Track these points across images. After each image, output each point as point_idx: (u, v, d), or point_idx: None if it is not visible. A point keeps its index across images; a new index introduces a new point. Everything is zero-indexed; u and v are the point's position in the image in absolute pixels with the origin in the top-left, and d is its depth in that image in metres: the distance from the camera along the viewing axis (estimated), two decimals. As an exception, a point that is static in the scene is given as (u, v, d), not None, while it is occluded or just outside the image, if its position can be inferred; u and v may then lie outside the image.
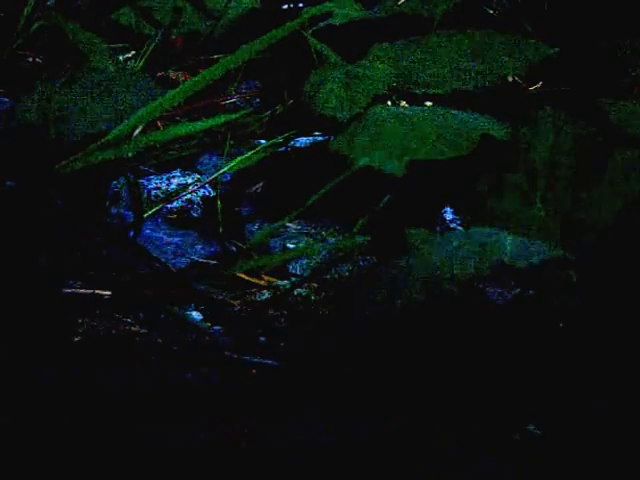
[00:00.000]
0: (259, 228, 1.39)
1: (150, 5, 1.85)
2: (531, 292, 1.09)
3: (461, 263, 0.98)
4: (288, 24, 1.03)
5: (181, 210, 1.41)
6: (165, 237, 1.36)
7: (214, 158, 1.53)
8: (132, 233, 1.26)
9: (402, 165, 1.29)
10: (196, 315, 1.14)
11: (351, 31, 1.68)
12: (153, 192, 1.42)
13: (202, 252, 1.33)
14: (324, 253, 1.29)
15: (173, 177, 1.46)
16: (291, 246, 1.34)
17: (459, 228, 1.31)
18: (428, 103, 1.55)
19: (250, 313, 1.15)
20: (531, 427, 0.93)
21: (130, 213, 1.34)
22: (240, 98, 1.70)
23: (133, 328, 1.09)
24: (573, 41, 1.64)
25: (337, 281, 1.22)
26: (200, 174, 1.49)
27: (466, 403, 0.96)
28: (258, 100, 1.72)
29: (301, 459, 0.87)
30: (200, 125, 1.10)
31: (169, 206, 1.41)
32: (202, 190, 1.44)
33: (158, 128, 1.57)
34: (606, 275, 1.08)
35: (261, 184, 1.46)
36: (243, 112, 1.40)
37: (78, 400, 0.93)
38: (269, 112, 1.63)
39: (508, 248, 0.99)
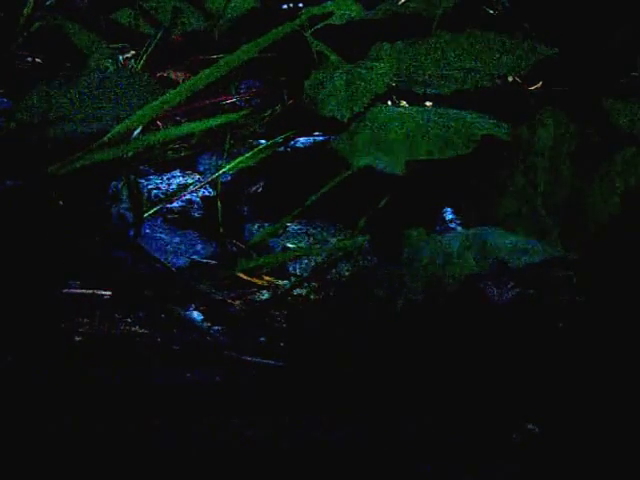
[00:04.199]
0: (259, 228, 1.39)
1: (150, 5, 1.85)
2: (531, 292, 1.09)
3: (461, 263, 0.98)
4: (288, 24, 1.03)
5: (181, 210, 1.41)
6: (165, 237, 1.35)
7: (214, 158, 1.53)
8: (132, 233, 1.26)
9: (402, 165, 1.29)
10: (196, 315, 1.14)
11: (351, 31, 1.68)
12: (153, 192, 1.42)
13: (202, 252, 1.33)
14: (324, 253, 1.29)
15: (173, 177, 1.46)
16: (291, 246, 1.34)
17: (459, 228, 1.31)
18: (428, 103, 1.55)
19: (250, 313, 1.15)
20: (530, 426, 0.93)
21: (130, 213, 1.34)
22: (240, 98, 1.70)
23: (133, 328, 1.09)
24: (573, 41, 1.64)
25: (337, 281, 1.22)
26: (200, 174, 1.48)
27: (466, 402, 0.96)
28: (258, 100, 1.72)
29: (301, 459, 0.87)
30: (200, 125, 1.10)
31: (169, 206, 1.40)
32: (202, 190, 1.44)
33: (158, 128, 1.57)
34: (606, 275, 1.08)
35: (261, 184, 1.46)
36: (243, 112, 1.40)
37: (78, 400, 0.93)
38: (269, 112, 1.63)
39: (508, 248, 0.99)
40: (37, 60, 1.77)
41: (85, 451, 0.86)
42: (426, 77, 1.50)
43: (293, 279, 1.26)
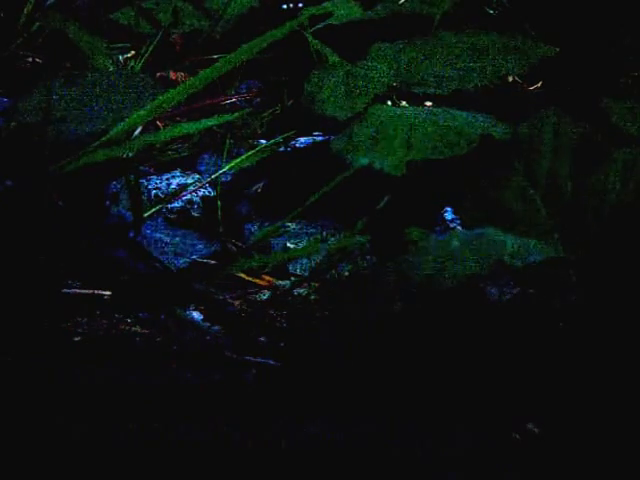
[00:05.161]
0: (259, 228, 1.39)
1: (150, 5, 1.85)
2: (531, 292, 1.09)
3: (461, 263, 0.98)
4: (288, 24, 1.03)
5: (181, 210, 1.41)
6: (165, 237, 1.36)
7: (214, 158, 1.53)
8: (132, 233, 1.26)
9: (402, 165, 1.29)
10: (196, 315, 1.14)
11: (351, 31, 1.68)
12: (153, 192, 1.42)
13: (202, 252, 1.33)
14: (324, 253, 1.29)
15: (173, 177, 1.46)
16: (291, 246, 1.34)
17: (459, 228, 1.31)
18: (428, 103, 1.55)
19: (250, 313, 1.15)
20: (530, 426, 0.93)
21: (130, 213, 1.34)
22: (240, 98, 1.70)
23: (133, 328, 1.09)
24: (573, 41, 1.64)
25: (337, 281, 1.22)
26: (200, 174, 1.49)
27: (465, 402, 0.96)
28: (258, 100, 1.72)
29: (301, 459, 0.87)
30: (200, 125, 1.10)
31: (169, 206, 1.41)
32: (202, 190, 1.44)
33: (158, 128, 1.57)
34: (606, 275, 1.09)
35: (261, 184, 1.46)
36: (243, 112, 1.40)
37: (78, 400, 0.93)
38: (269, 112, 1.63)
39: (508, 248, 0.99)
40: (37, 60, 1.77)
41: (84, 451, 0.86)
42: (426, 77, 1.50)
43: (293, 279, 1.26)
